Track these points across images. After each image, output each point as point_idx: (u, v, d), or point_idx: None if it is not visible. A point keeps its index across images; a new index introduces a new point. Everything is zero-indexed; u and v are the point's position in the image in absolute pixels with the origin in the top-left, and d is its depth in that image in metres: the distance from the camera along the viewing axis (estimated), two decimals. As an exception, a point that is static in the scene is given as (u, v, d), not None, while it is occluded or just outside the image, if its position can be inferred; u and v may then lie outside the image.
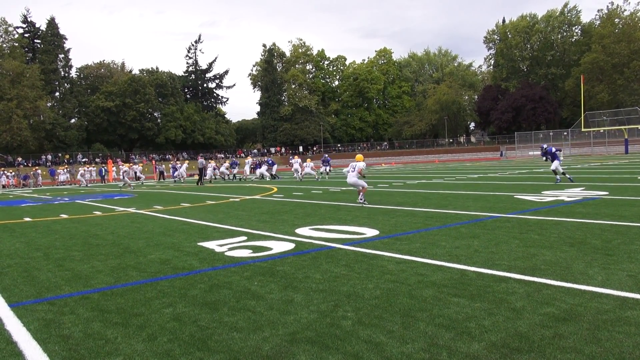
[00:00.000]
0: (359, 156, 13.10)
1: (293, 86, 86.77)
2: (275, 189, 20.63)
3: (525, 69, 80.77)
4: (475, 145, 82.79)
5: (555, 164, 16.47)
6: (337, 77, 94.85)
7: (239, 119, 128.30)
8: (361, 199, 12.65)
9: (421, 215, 9.71)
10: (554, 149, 16.91)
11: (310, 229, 8.67)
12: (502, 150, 64.46)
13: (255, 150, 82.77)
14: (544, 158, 17.33)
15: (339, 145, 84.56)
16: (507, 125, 75.55)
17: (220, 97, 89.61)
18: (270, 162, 32.17)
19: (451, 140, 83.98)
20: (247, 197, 16.77)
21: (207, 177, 31.08)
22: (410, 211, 10.51)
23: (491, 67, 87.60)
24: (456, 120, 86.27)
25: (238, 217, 11.03)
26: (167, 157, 70.27)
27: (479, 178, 21.41)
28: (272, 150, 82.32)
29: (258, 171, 30.88)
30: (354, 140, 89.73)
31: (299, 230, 8.51)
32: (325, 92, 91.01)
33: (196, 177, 37.56)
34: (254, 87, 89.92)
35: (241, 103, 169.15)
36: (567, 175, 16.57)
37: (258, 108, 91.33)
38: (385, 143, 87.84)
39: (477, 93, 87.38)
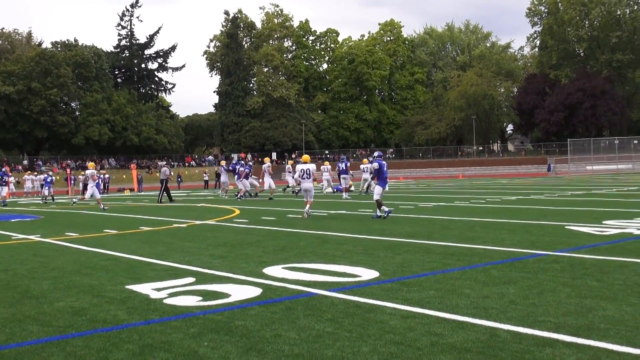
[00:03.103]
0: (306, 157, 17.45)
1: (265, 70, 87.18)
2: (237, 212, 20.54)
3: (582, 54, 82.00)
4: (513, 155, 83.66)
5: (376, 190, 16.10)
6: (326, 58, 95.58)
7: (189, 113, 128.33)
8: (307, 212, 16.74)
9: (438, 252, 9.74)
10: (385, 167, 16.25)
11: (284, 268, 8.63)
12: (550, 164, 65.17)
13: (210, 157, 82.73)
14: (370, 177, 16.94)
15: (326, 151, 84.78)
16: (558, 129, 76.52)
17: (163, 83, 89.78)
18: (234, 166, 32.41)
19: (481, 148, 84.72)
20: (197, 222, 16.68)
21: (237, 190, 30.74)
22: (423, 245, 10.53)
23: (536, 49, 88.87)
24: (488, 121, 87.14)
25: (184, 250, 10.96)
26: (86, 163, 69.72)
27: (517, 201, 21.56)
28: (234, 156, 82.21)
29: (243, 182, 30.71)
30: (348, 145, 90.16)
31: (268, 270, 8.47)
32: (309, 78, 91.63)
33: (124, 191, 37.21)
34: (212, 69, 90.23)
35: (193, 91, 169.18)
36: (385, 210, 15.90)
37: (216, 99, 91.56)
38: (391, 150, 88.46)
39: (517, 84, 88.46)
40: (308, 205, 17.21)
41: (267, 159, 29.86)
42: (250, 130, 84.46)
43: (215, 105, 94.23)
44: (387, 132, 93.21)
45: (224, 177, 31.94)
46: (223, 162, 33.57)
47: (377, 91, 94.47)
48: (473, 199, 23.08)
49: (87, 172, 25.19)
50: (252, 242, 11.81)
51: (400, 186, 40.28)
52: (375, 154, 17.18)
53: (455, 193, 28.71)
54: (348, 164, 28.50)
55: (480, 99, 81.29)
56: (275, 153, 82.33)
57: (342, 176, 27.78)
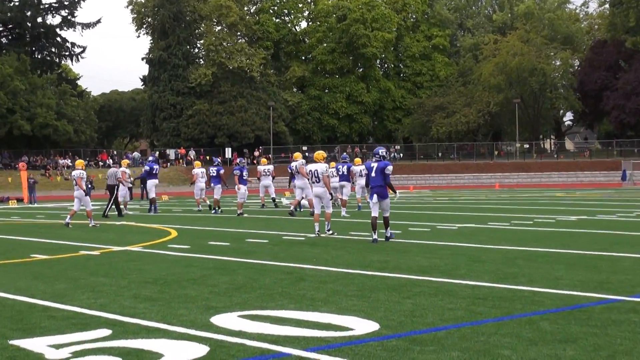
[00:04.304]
0: (319, 153, 19.01)
1: (217, 29, 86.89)
2: (174, 233, 20.43)
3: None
4: (573, 157, 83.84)
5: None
6: (305, 14, 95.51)
7: (106, 89, 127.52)
8: (327, 228, 18.57)
9: (464, 294, 9.74)
10: (377, 170, 16.76)
11: (241, 316, 8.60)
12: (626, 169, 65.50)
13: (135, 153, 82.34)
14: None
15: (304, 147, 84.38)
16: (637, 121, 76.82)
17: (69, 46, 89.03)
18: (151, 166, 32.49)
19: (527, 146, 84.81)
20: (116, 249, 16.58)
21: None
22: (443, 285, 10.55)
23: (606, 6, 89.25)
24: (537, 108, 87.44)
25: (96, 288, 10.89)
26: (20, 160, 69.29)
27: (579, 223, 21.68)
28: (171, 153, 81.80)
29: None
30: (335, 138, 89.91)
31: (218, 319, 8.43)
32: (280, 42, 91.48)
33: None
34: (139, 27, 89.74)
35: (112, 58, 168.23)
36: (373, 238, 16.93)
37: (145, 70, 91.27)
38: (398, 147, 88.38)
39: (578, 56, 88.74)
40: (317, 224, 18.59)
41: (298, 155, 29.58)
42: (194, 116, 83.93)
43: (144, 79, 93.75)
44: (392, 121, 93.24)
45: (123, 189, 32.15)
46: (125, 163, 33.87)
47: (378, 62, 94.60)
48: (515, 219, 23.16)
49: (75, 173, 25.23)
50: (195, 277, 11.75)
51: (411, 199, 40.26)
52: (380, 150, 17.21)
53: (490, 210, 28.75)
54: (352, 167, 28.53)
55: (527, 76, 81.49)
56: (230, 149, 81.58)
57: (340, 183, 27.85)
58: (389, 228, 16.93)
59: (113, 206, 29.60)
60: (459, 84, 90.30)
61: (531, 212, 27.03)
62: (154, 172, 32.36)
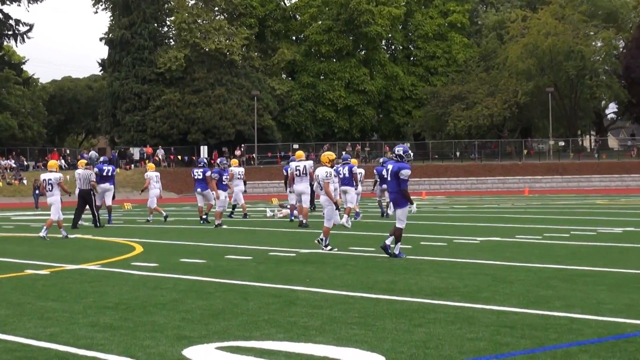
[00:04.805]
0: (326, 155, 19.64)
1: (190, 3, 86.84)
2: (139, 248, 20.39)
3: None
4: (617, 157, 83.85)
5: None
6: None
7: (57, 76, 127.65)
8: (325, 243, 18.92)
9: (487, 322, 9.76)
10: (390, 172, 17.49)
11: (219, 348, 8.61)
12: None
13: (92, 153, 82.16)
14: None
15: (295, 145, 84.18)
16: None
17: (12, 25, 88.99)
18: (100, 167, 32.49)
19: (562, 144, 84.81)
20: (69, 267, 16.56)
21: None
22: (462, 311, 10.56)
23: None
24: (575, 98, 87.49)
25: (44, 315, 10.88)
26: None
27: (625, 235, 21.69)
28: (135, 152, 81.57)
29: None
30: (332, 134, 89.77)
31: (192, 352, 8.44)
32: (266, 19, 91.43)
33: None
34: (97, 2, 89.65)
35: (64, 39, 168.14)
36: (387, 244, 17.29)
37: (105, 52, 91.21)
38: (408, 144, 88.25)
39: (624, 35, 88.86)
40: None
41: (301, 154, 29.26)
42: (163, 107, 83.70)
43: (103, 64, 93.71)
44: (401, 114, 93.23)
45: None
46: (82, 164, 32.91)
47: (384, 43, 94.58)
48: (547, 231, 23.20)
49: (50, 175, 25.13)
50: (164, 302, 11.75)
51: (423, 207, 40.30)
52: (398, 148, 17.48)
53: (518, 220, 28.77)
54: (354, 168, 28.55)
55: (562, 59, 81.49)
56: (206, 147, 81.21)
57: (342, 188, 27.94)
58: (399, 244, 16.92)
59: (101, 213, 29.97)
60: (480, 69, 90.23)
61: (567, 222, 27.05)
62: (104, 174, 31.70)
